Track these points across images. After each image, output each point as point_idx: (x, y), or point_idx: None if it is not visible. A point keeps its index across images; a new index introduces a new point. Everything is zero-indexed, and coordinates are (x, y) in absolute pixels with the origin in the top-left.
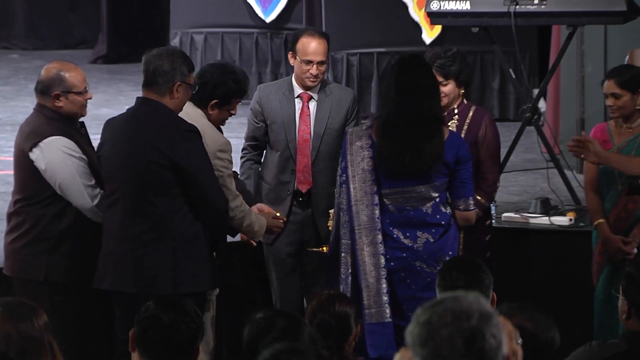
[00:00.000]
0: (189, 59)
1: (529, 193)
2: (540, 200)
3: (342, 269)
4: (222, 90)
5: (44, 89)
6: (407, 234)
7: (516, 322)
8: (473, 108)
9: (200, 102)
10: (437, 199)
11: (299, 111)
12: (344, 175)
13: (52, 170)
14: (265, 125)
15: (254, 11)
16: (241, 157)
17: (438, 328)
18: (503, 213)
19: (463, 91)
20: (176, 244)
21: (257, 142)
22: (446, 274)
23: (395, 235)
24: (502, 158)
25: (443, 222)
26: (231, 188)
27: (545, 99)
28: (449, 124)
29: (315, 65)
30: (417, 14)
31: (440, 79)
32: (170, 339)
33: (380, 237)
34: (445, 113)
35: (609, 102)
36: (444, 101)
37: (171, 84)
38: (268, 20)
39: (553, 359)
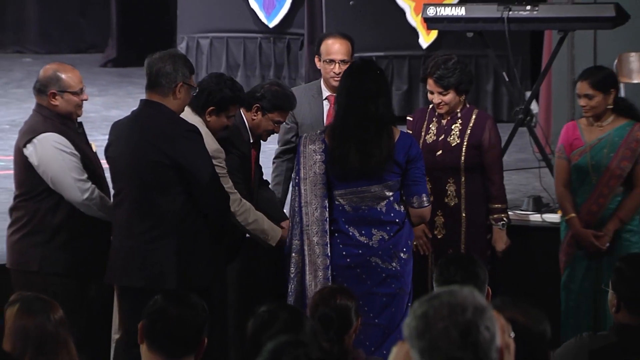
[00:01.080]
0: (189, 62)
1: (522, 191)
2: (533, 198)
3: (291, 268)
4: (217, 97)
5: (41, 88)
6: (363, 232)
7: (509, 316)
8: (475, 112)
9: (198, 109)
10: (391, 198)
11: (327, 113)
12: (297, 177)
13: (44, 165)
14: (296, 126)
15: (257, 17)
16: (273, 163)
17: (434, 321)
18: None
19: (464, 98)
20: (180, 240)
21: (290, 146)
22: (444, 269)
23: (351, 233)
24: None
25: (397, 220)
26: (226, 188)
27: (537, 101)
28: (452, 127)
29: (337, 64)
30: (414, 19)
31: (439, 89)
32: (177, 331)
33: (327, 238)
34: (449, 117)
35: (582, 102)
36: (444, 109)
37: (174, 85)
38: (271, 25)
39: (545, 351)
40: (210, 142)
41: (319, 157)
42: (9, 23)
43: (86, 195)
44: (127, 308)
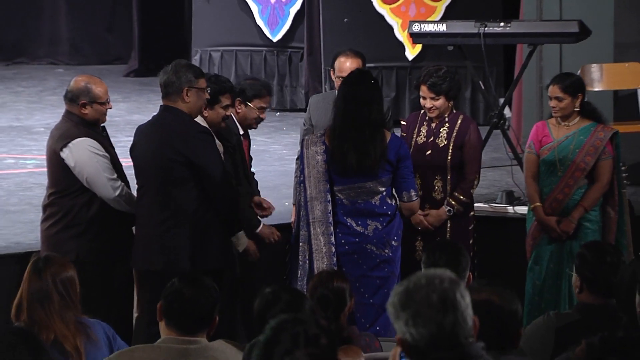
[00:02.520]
0: (193, 67)
1: (496, 186)
2: (506, 192)
3: (300, 257)
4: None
5: (73, 98)
6: (359, 222)
7: (485, 297)
8: (461, 117)
9: None
10: (384, 193)
11: None
12: (302, 176)
13: (80, 167)
14: (312, 128)
15: (263, 32)
16: (296, 163)
17: (415, 291)
18: (474, 204)
19: (452, 103)
20: (194, 229)
21: None
22: (430, 254)
23: (349, 224)
24: None
25: (389, 212)
26: None
27: (510, 106)
28: (440, 130)
29: None
30: (401, 35)
31: (431, 94)
32: (191, 310)
33: (331, 228)
34: (438, 121)
35: (553, 103)
36: (435, 113)
37: (180, 91)
38: (275, 39)
39: (517, 328)
40: None
41: (321, 157)
42: (44, 38)
43: (117, 192)
44: (147, 289)
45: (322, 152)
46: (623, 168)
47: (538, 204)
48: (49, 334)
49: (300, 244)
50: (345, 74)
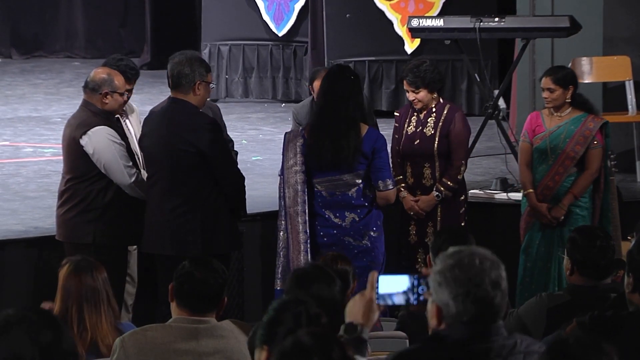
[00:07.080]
0: (205, 62)
1: (491, 174)
2: (500, 179)
3: (280, 243)
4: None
5: (95, 87)
6: (337, 214)
7: None
8: (447, 106)
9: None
10: (361, 185)
11: None
12: (282, 167)
13: (98, 154)
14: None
15: (269, 27)
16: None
17: (469, 270)
18: (470, 190)
19: (436, 95)
20: (204, 215)
21: None
22: (437, 238)
23: (327, 216)
24: (469, 146)
25: (366, 204)
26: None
27: (505, 98)
28: (427, 120)
29: None
30: (400, 29)
31: (412, 88)
32: (201, 291)
33: (305, 218)
34: (425, 112)
35: (545, 94)
36: (419, 105)
37: (192, 84)
38: (280, 34)
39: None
40: None
41: (299, 150)
42: (61, 33)
43: (133, 179)
44: (159, 272)
45: (300, 145)
46: (612, 156)
47: (531, 190)
48: (93, 334)
49: (280, 233)
50: None
